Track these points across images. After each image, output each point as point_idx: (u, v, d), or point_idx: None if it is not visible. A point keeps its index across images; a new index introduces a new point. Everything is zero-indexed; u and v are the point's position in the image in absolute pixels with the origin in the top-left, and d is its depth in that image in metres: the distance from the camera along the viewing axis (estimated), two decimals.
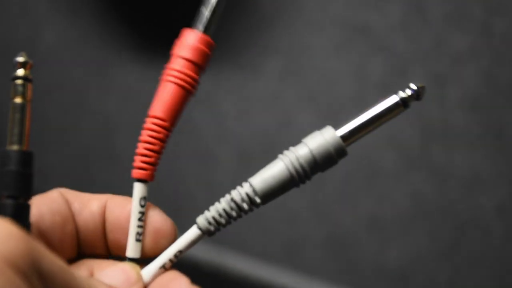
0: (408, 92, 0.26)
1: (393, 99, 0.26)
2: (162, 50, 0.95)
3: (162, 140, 0.28)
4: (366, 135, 0.26)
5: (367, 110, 0.26)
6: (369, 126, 0.26)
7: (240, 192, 0.27)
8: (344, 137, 0.26)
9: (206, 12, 0.28)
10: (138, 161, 0.28)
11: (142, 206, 0.28)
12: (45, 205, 0.28)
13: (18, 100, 0.25)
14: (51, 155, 0.88)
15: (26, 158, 0.25)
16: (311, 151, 0.26)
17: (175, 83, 0.28)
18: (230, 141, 0.84)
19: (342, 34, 0.84)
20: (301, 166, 0.26)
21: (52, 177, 0.86)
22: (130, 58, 0.89)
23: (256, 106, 0.85)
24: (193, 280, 0.29)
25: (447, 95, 0.82)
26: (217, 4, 0.28)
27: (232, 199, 0.27)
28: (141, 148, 0.28)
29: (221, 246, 0.80)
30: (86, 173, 0.87)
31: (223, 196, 0.28)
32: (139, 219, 0.28)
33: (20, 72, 0.26)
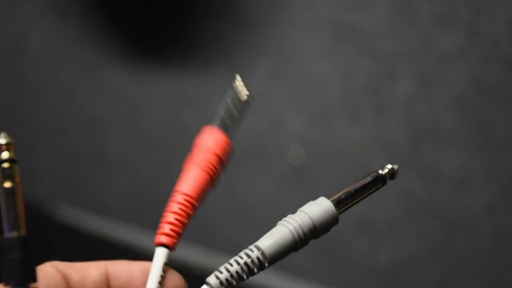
0: (385, 171, 0.32)
1: (373, 176, 0.32)
2: (151, 53, 0.94)
3: (190, 216, 0.31)
4: (354, 205, 0.31)
5: (354, 184, 0.32)
6: (356, 197, 0.31)
7: (252, 257, 0.29)
8: (336, 207, 0.31)
9: (228, 121, 0.33)
10: (166, 228, 0.30)
11: (163, 271, 0.30)
12: (43, 285, 0.27)
13: (7, 184, 0.25)
14: (40, 158, 0.87)
15: (26, 243, 0.25)
16: (312, 221, 0.30)
17: (207, 172, 0.32)
18: None
19: (330, 35, 0.84)
20: (304, 234, 0.29)
21: (41, 181, 0.86)
22: (119, 61, 0.88)
23: None
24: None
25: (435, 95, 0.82)
26: (238, 114, 0.33)
27: (245, 263, 0.29)
28: (170, 217, 0.31)
29: (211, 249, 0.80)
30: (75, 176, 0.86)
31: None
32: (159, 283, 0.30)
33: (5, 155, 0.25)
